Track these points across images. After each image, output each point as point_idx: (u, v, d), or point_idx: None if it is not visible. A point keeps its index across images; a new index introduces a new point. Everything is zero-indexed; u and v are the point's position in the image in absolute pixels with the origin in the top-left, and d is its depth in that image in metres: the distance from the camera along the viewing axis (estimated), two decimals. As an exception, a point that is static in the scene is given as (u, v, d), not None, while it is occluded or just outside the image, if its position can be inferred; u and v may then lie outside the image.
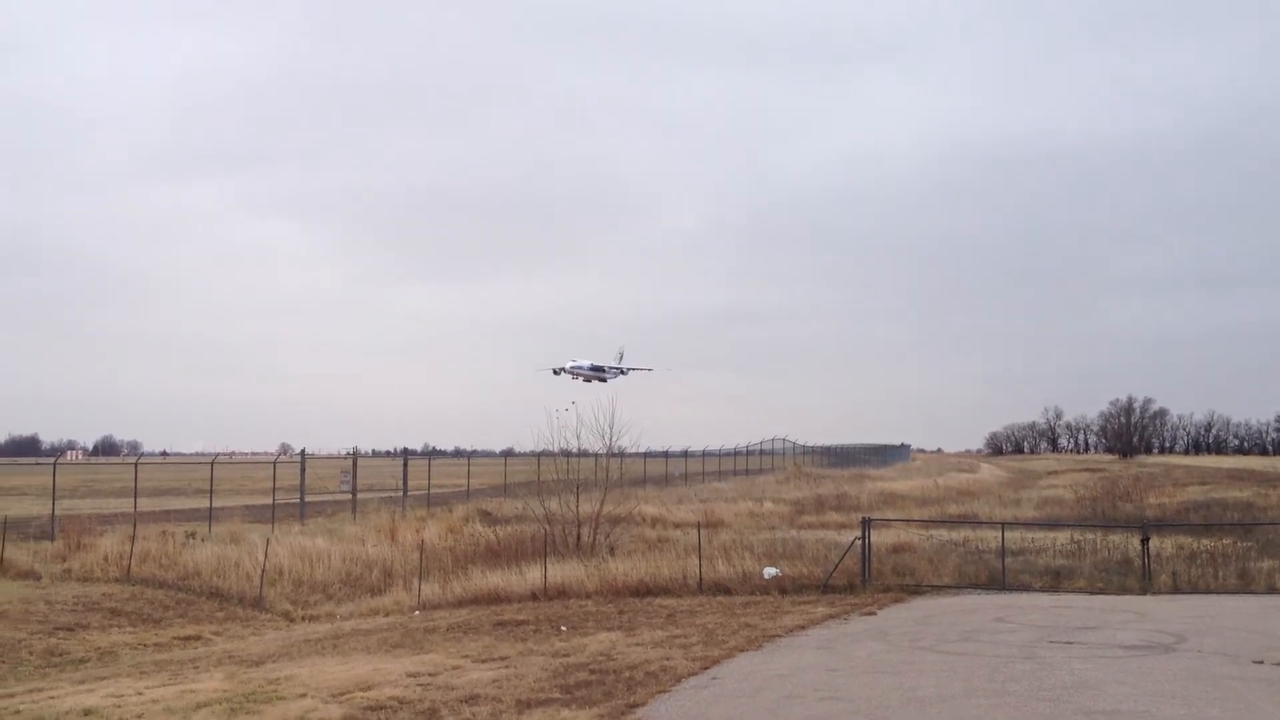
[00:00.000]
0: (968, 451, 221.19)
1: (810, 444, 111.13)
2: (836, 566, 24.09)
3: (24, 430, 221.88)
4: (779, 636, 17.72)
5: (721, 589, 23.66)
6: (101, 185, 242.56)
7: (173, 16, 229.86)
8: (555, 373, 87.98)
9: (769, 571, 24.37)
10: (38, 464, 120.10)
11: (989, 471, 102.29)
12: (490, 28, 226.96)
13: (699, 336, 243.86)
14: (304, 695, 13.64)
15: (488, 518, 42.26)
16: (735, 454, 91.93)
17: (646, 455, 65.59)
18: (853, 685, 13.55)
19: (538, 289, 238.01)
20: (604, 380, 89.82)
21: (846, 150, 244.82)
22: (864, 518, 25.57)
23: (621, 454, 36.98)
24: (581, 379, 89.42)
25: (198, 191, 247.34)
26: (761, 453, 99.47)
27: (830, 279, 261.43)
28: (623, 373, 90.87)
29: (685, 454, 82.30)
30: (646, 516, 40.49)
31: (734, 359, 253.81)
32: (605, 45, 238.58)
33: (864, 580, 23.63)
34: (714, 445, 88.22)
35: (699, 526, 30.48)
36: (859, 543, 24.23)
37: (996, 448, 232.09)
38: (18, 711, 13.70)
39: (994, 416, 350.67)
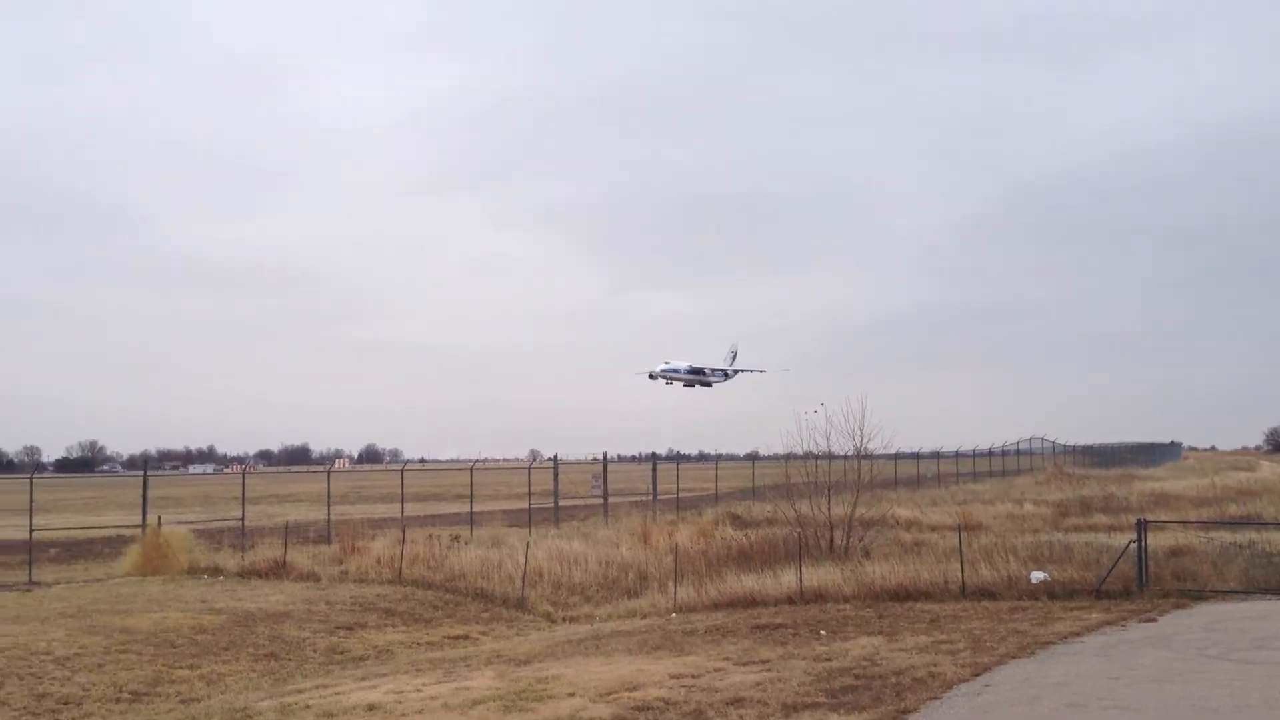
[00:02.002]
0: (1244, 449, 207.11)
1: (1070, 443, 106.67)
2: (1111, 571, 22.88)
3: (295, 440, 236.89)
4: (1052, 643, 16.95)
5: (985, 593, 22.86)
6: (361, 205, 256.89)
7: (424, 43, 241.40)
8: (651, 377, 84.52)
9: (1036, 576, 23.38)
10: (310, 471, 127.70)
11: (1270, 469, 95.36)
12: (721, 34, 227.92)
13: (947, 335, 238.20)
14: (572, 694, 13.89)
15: (738, 521, 42.28)
16: (990, 454, 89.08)
17: (897, 457, 64.27)
18: (1137, 694, 12.80)
19: (778, 291, 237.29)
20: (707, 385, 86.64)
21: (1091, 139, 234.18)
22: (1139, 519, 24.22)
23: (872, 456, 36.31)
24: (681, 384, 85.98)
25: (452, 207, 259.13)
26: (1018, 453, 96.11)
27: (1080, 270, 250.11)
28: (727, 376, 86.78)
29: (937, 455, 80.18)
30: (900, 519, 39.63)
31: (985, 357, 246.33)
32: (837, 46, 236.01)
33: (1141, 585, 22.37)
34: (966, 446, 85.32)
35: (958, 529, 29.57)
36: (1134, 546, 22.96)
37: (1278, 444, 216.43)
38: (307, 706, 14.45)
39: (1274, 412, 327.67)
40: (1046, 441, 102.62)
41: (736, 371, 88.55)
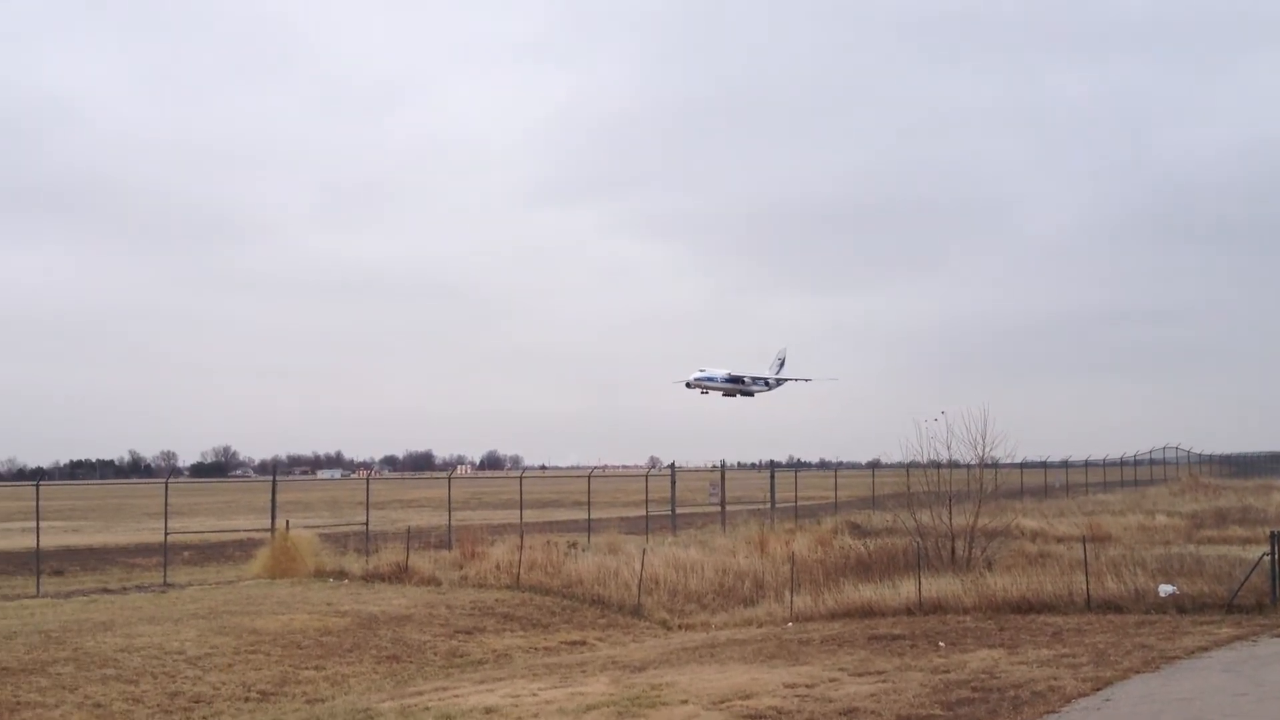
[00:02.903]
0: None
1: (1207, 453, 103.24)
2: (1243, 584, 22.09)
3: (419, 447, 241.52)
4: (1178, 658, 16.44)
5: (1111, 607, 22.24)
6: (483, 215, 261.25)
7: (542, 55, 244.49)
8: (688, 385, 79.95)
9: (1165, 589, 22.68)
10: (433, 478, 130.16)
11: None
12: (838, 37, 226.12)
13: (1080, 340, 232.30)
14: (685, 701, 13.93)
15: (857, 530, 41.86)
16: (1121, 464, 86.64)
17: (1023, 466, 62.99)
18: (1264, 711, 12.38)
19: (900, 297, 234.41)
20: (749, 394, 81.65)
21: (1233, 138, 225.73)
22: (1272, 531, 23.32)
23: (995, 464, 35.61)
24: (720, 393, 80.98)
25: (572, 216, 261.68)
26: (1151, 462, 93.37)
27: (1219, 273, 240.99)
28: (769, 386, 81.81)
29: (1065, 464, 78.31)
30: (1025, 530, 38.81)
31: (1118, 363, 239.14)
32: (962, 46, 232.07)
33: (1274, 599, 21.54)
34: (1096, 455, 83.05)
35: (1084, 540, 28.86)
36: (1267, 558, 22.12)
37: None
38: (427, 708, 14.75)
39: None
40: (1181, 451, 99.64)
41: (782, 380, 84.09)
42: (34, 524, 34.70)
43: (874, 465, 67.18)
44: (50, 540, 37.70)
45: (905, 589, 24.67)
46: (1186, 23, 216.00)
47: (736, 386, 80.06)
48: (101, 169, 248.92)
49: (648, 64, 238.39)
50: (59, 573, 35.58)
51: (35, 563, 32.12)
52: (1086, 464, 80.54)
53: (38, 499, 34.07)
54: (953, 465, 33.48)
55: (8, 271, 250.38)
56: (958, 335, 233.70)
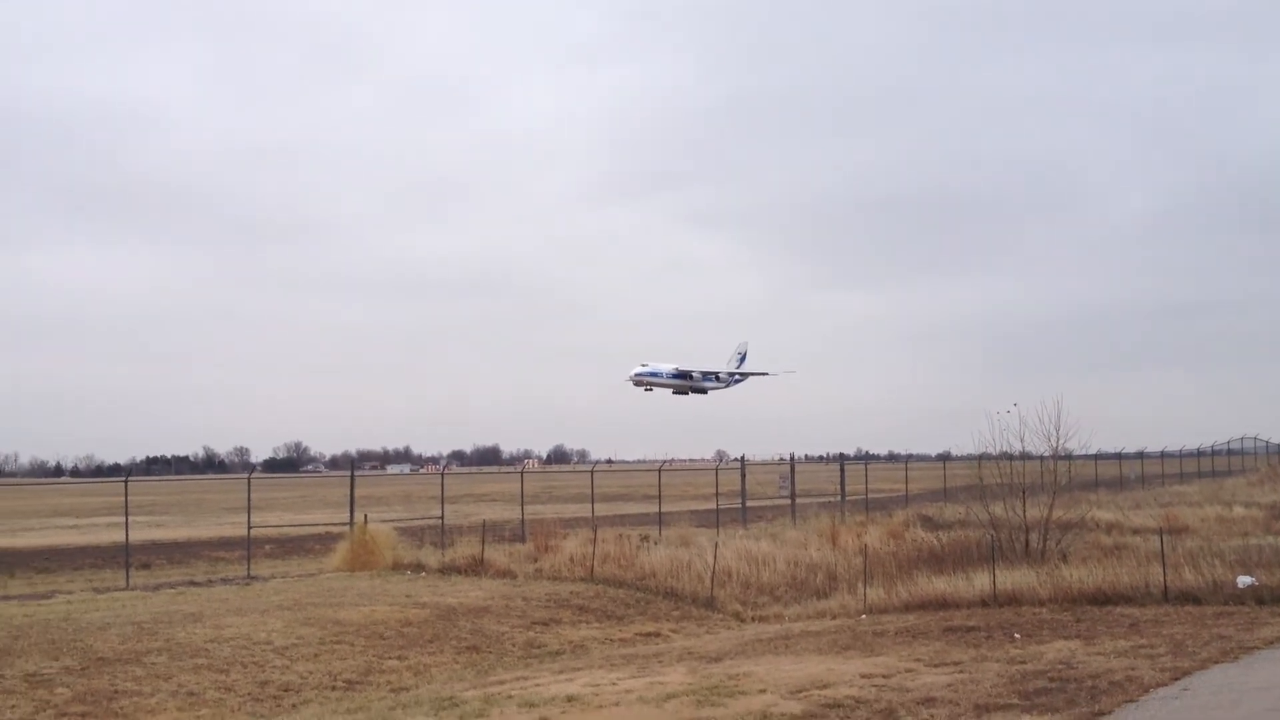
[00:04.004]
0: None
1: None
2: (1324, 576, 21.85)
3: (487, 441, 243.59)
4: (1257, 649, 16.36)
5: (1189, 598, 22.09)
6: (549, 211, 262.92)
7: (604, 52, 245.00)
8: (633, 383, 75.54)
9: (1243, 580, 22.47)
10: (502, 472, 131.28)
11: None
12: (904, 28, 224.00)
13: (1154, 330, 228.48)
14: (763, 690, 14.15)
15: (929, 523, 41.74)
16: (1198, 455, 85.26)
17: (1097, 457, 62.26)
18: (1349, 703, 12.31)
19: (965, 289, 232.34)
20: (701, 391, 77.54)
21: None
22: (1355, 522, 23.02)
23: (1070, 456, 35.34)
24: (670, 390, 76.70)
25: (636, 211, 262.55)
26: (1229, 453, 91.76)
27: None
28: (727, 380, 77.86)
29: (1141, 455, 77.15)
30: (1100, 522, 38.45)
31: (1195, 353, 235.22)
32: (1027, 35, 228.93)
33: (1357, 591, 21.29)
34: (1172, 446, 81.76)
35: (1160, 532, 28.62)
36: (1350, 550, 21.86)
37: None
38: (509, 696, 15.09)
39: None
40: (1259, 441, 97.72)
41: (741, 376, 79.91)
42: (121, 519, 35.66)
43: (944, 457, 66.77)
44: (136, 535, 38.71)
45: (979, 581, 24.66)
46: (1267, 10, 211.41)
47: (685, 383, 76.11)
48: (177, 172, 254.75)
49: (703, 59, 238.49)
50: (146, 566, 36.59)
51: (125, 556, 33.05)
52: (1162, 455, 79.40)
53: (126, 495, 35.00)
54: (1026, 457, 33.29)
55: (86, 271, 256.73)
56: (1028, 326, 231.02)
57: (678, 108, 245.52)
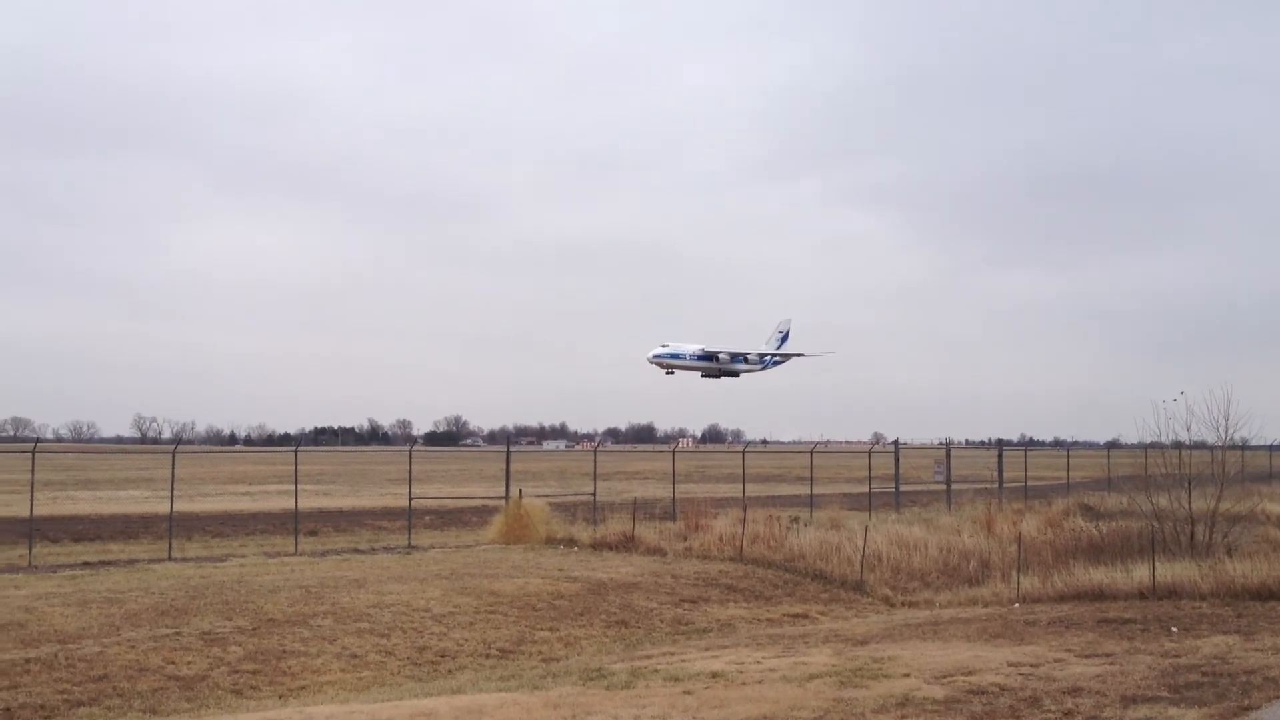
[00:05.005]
0: None
1: None
2: None
3: (641, 419, 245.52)
4: None
5: (1363, 595, 21.17)
6: (708, 189, 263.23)
7: (764, 30, 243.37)
8: (654, 364, 69.86)
9: None
10: (655, 451, 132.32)
11: None
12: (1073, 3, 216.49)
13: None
14: (907, 675, 14.16)
15: (1089, 512, 40.70)
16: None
17: (1272, 449, 59.62)
18: None
19: (1140, 269, 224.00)
20: (733, 374, 71.83)
21: None
22: None
23: (1242, 446, 34.00)
24: (699, 373, 71.11)
25: (796, 189, 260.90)
26: None
27: None
28: (760, 364, 71.42)
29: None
30: (1271, 515, 36.89)
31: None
32: (1204, 6, 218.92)
33: None
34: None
35: (1335, 528, 27.42)
36: None
37: None
38: (656, 670, 15.43)
39: None
40: None
41: (781, 357, 73.92)
42: (291, 487, 37.29)
43: (1111, 445, 64.83)
44: (305, 503, 40.44)
45: (1138, 573, 24.05)
46: None
47: (712, 365, 71.10)
48: (343, 149, 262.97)
49: (869, 35, 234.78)
50: (313, 533, 38.20)
51: (294, 523, 34.58)
52: (1346, 447, 75.33)
53: (296, 464, 36.59)
54: (1195, 446, 32.16)
55: (257, 248, 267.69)
56: (1205, 307, 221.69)
57: (844, 82, 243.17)
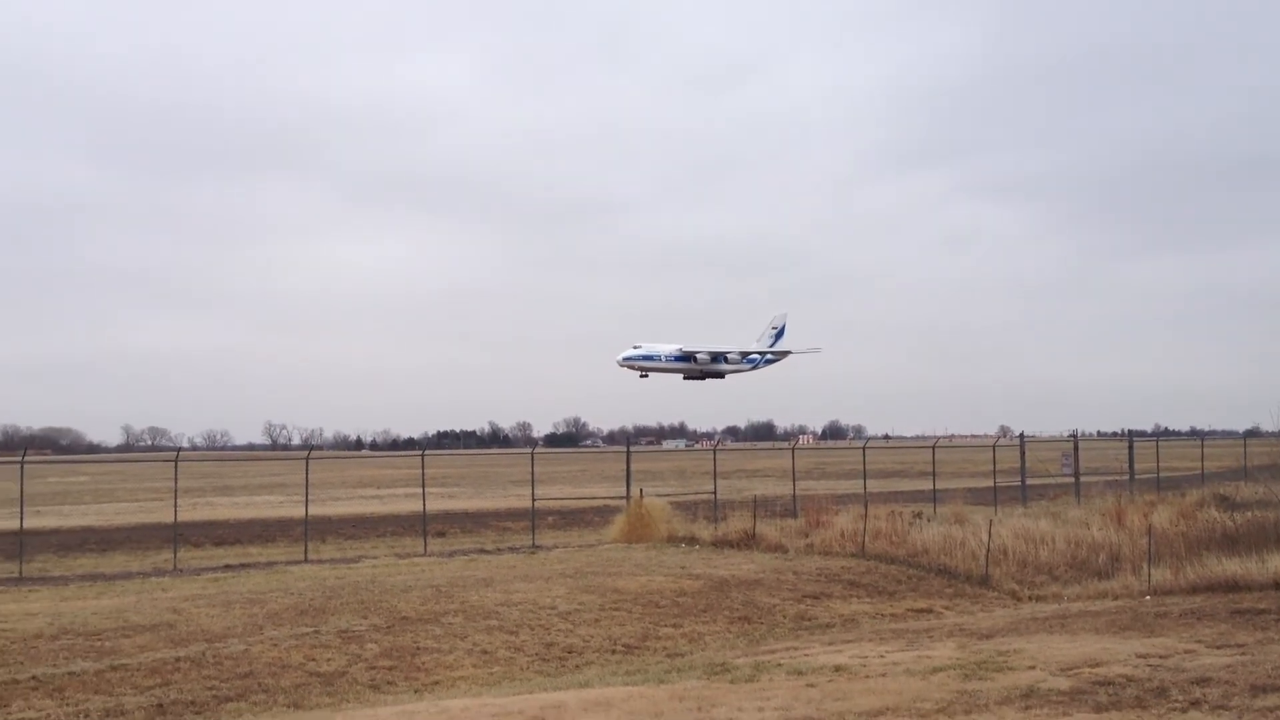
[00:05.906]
0: None
1: None
2: None
3: (761, 417, 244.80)
4: None
5: None
6: (828, 186, 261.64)
7: (880, 23, 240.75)
8: (625, 367, 66.29)
9: None
10: (774, 448, 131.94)
11: None
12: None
13: None
14: (1032, 667, 14.11)
15: (1224, 502, 39.57)
16: None
17: None
18: None
19: (1273, 257, 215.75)
20: (718, 375, 68.14)
21: None
22: None
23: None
24: (681, 375, 67.19)
25: (916, 184, 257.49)
26: None
27: None
28: (731, 362, 67.27)
29: None
30: None
31: None
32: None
33: None
34: None
35: None
36: None
37: None
38: (779, 664, 15.62)
39: None
40: None
41: (775, 355, 70.37)
42: (417, 490, 38.32)
43: (1250, 434, 62.88)
44: (432, 505, 41.45)
45: (1273, 563, 23.42)
46: None
47: (691, 366, 67.53)
48: (463, 160, 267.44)
49: (991, 25, 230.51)
50: (441, 534, 39.15)
51: (422, 525, 35.52)
52: None
53: (423, 468, 37.58)
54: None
55: (381, 257, 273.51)
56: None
57: (965, 74, 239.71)
